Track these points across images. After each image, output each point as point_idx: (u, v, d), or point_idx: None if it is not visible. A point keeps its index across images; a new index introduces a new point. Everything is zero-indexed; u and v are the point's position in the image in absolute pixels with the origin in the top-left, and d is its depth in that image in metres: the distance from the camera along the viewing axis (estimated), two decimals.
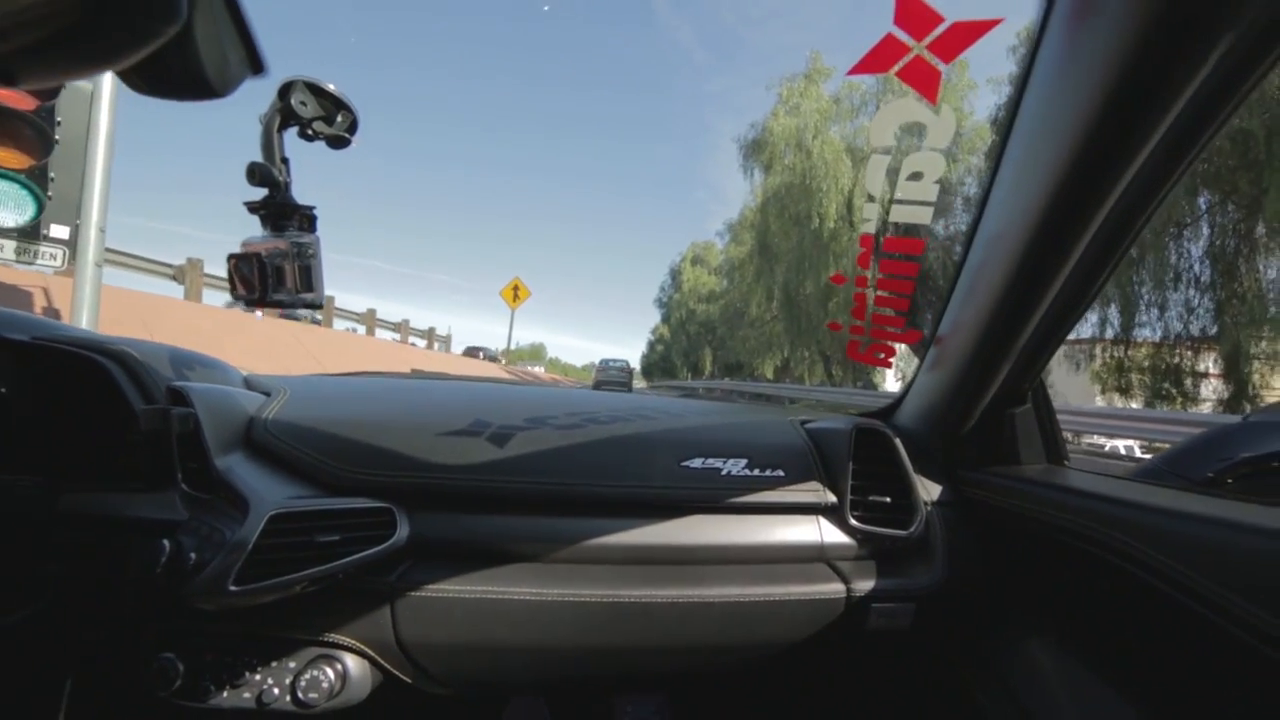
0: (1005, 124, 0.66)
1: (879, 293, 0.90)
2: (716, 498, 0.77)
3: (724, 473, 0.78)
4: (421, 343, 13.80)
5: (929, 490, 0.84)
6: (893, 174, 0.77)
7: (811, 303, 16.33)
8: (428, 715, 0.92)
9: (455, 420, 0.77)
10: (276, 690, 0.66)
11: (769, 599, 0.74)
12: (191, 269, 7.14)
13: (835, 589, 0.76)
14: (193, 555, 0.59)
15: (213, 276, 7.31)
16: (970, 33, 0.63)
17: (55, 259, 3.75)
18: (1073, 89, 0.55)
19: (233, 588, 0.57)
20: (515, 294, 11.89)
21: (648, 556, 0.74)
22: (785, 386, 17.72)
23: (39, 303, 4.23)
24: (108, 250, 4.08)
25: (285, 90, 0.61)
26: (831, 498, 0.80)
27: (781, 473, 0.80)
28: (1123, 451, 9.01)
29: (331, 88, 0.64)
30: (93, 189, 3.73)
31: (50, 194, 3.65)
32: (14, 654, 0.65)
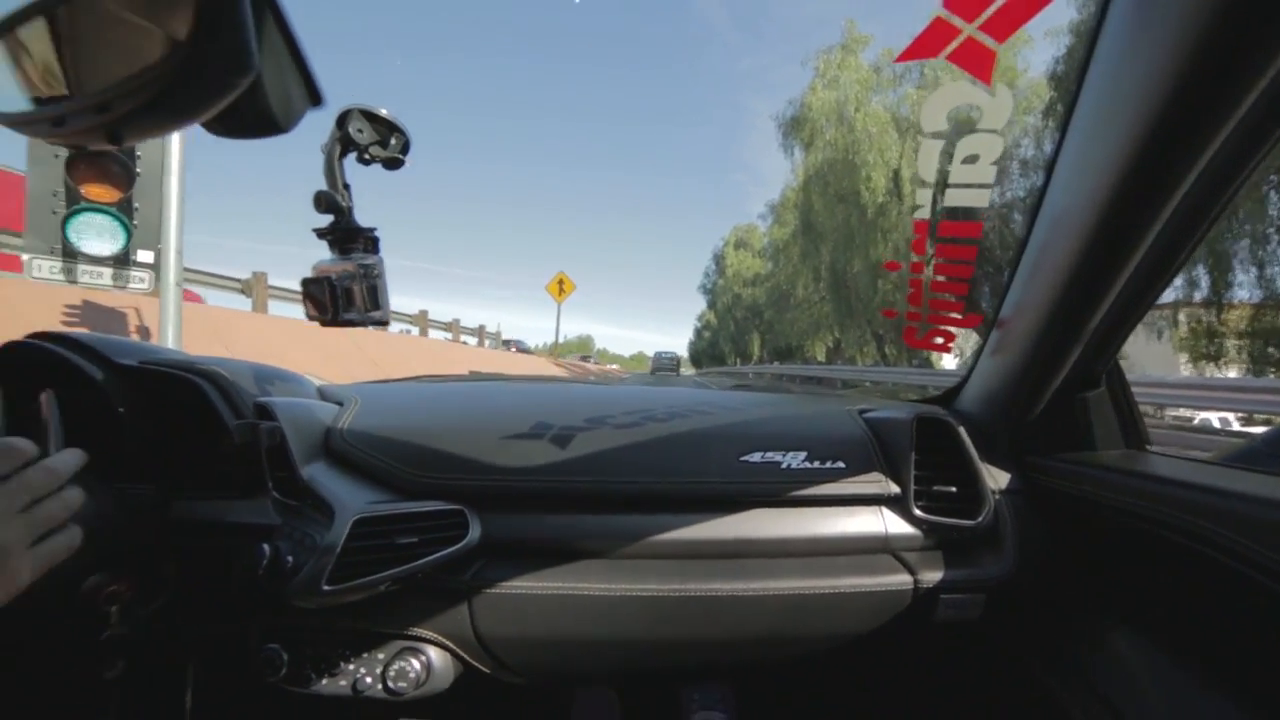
0: (1074, 85, 0.62)
1: (936, 278, 0.87)
2: (777, 491, 0.77)
3: (783, 466, 0.78)
4: (473, 340, 14.20)
5: (996, 478, 0.81)
6: (946, 156, 0.74)
7: (860, 282, 15.81)
8: (505, 703, 0.97)
9: (517, 424, 0.80)
10: (369, 679, 0.71)
11: (833, 591, 0.73)
12: (257, 282, 7.61)
13: (901, 580, 0.75)
14: (290, 558, 0.64)
15: (276, 288, 7.76)
16: (1027, 9, 0.60)
17: (143, 282, 4.09)
18: (1154, 40, 0.50)
19: (326, 588, 0.62)
20: (560, 288, 12.07)
21: (711, 551, 0.75)
22: (839, 369, 17.29)
23: (132, 322, 4.62)
24: (185, 269, 4.40)
25: (343, 119, 0.65)
26: (894, 488, 0.78)
27: (842, 464, 0.79)
28: (1216, 424, 8.29)
29: (384, 112, 0.67)
30: (169, 215, 4.02)
31: (136, 222, 3.97)
32: (146, 645, 0.72)
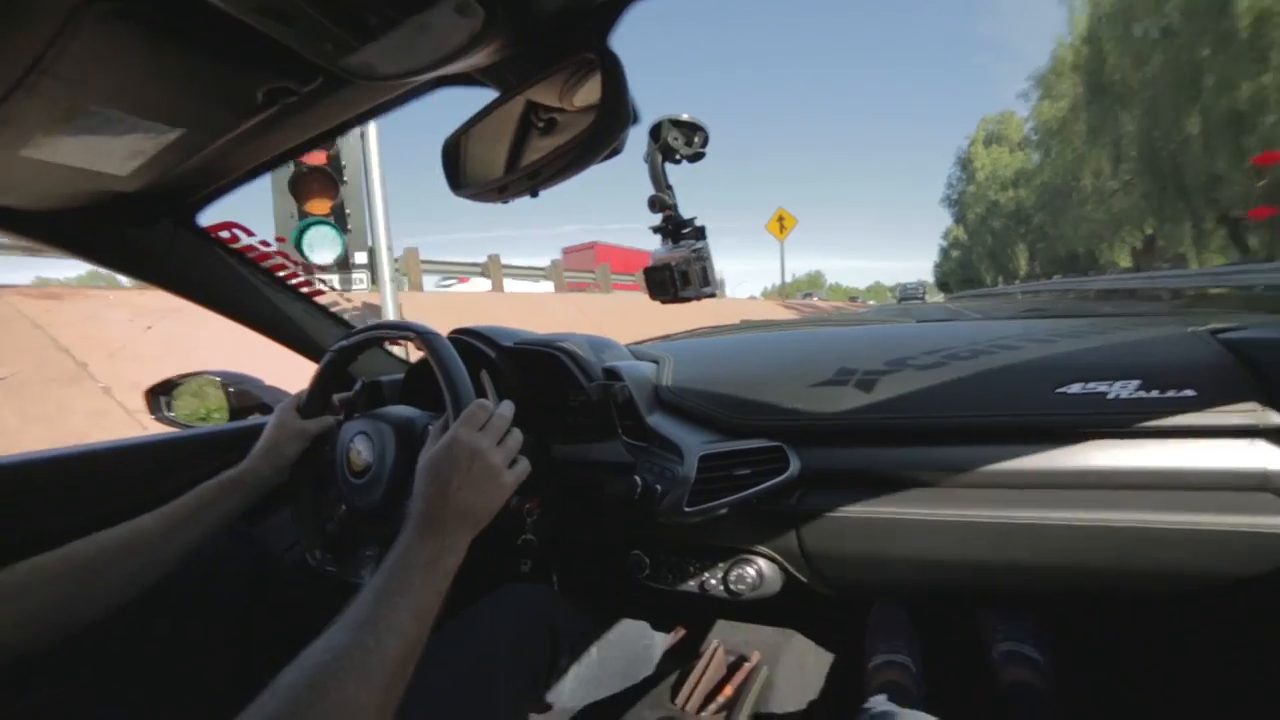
0: None
1: None
2: (1105, 422, 0.85)
3: (1111, 397, 0.85)
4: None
5: None
6: None
7: (1200, 148, 12.97)
8: (814, 608, 1.26)
9: (820, 370, 1.06)
10: (713, 581, 1.08)
11: (1190, 528, 0.79)
12: (493, 264, 9.31)
13: None
14: (658, 487, 0.99)
15: (511, 267, 9.62)
16: None
17: (361, 281, 5.28)
18: None
19: (686, 509, 0.95)
20: (781, 224, 12.16)
21: (1032, 481, 0.89)
22: (1152, 276, 14.29)
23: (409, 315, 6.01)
24: (424, 261, 5.54)
25: (656, 131, 0.95)
26: (1278, 419, 0.79)
27: (1191, 393, 0.82)
28: None
29: (686, 116, 0.95)
30: (378, 217, 5.08)
31: (349, 228, 5.10)
32: (537, 548, 1.07)
